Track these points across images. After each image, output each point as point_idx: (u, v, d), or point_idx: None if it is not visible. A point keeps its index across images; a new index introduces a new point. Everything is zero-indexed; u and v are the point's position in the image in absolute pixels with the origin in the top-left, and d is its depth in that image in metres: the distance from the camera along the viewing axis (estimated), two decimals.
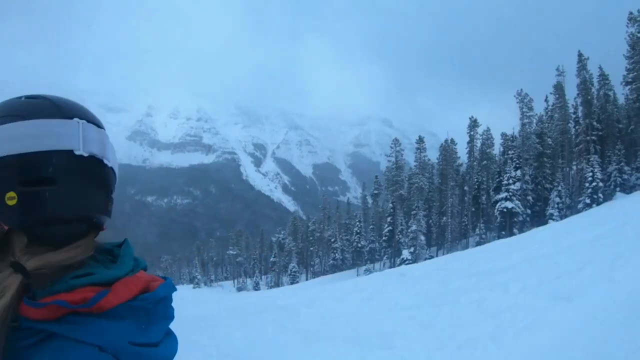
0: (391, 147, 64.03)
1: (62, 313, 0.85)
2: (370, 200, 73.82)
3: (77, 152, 0.93)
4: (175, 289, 1.04)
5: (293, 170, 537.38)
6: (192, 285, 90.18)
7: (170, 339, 1.00)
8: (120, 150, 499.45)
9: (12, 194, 0.88)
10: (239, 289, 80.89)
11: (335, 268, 71.71)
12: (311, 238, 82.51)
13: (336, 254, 73.05)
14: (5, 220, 0.90)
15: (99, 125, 1.02)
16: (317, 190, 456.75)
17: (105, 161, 1.00)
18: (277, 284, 79.30)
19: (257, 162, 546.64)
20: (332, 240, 75.37)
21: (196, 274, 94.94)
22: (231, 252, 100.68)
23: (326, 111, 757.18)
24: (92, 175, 0.97)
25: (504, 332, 7.61)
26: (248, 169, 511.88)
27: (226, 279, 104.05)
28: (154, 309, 0.95)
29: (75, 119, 0.96)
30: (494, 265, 16.03)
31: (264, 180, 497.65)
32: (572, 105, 50.65)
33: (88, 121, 0.99)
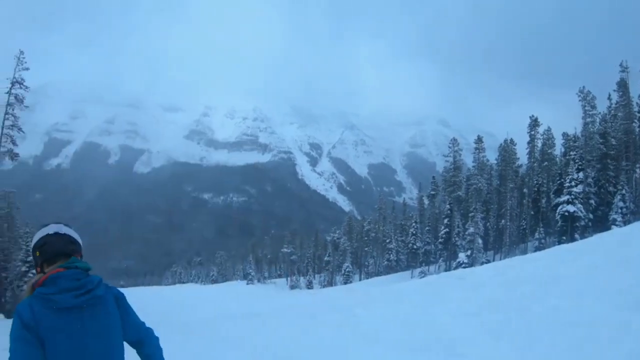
0: (449, 147, 62.85)
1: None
2: (426, 201, 72.56)
3: (50, 233, 2.64)
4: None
5: (348, 170, 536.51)
6: (245, 282, 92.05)
7: None
8: (178, 149, 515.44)
9: (37, 253, 2.62)
10: (292, 287, 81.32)
11: (390, 269, 71.02)
12: (366, 238, 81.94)
13: (391, 255, 72.29)
14: (38, 263, 2.64)
15: (58, 228, 2.70)
16: (372, 191, 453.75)
17: (60, 231, 2.66)
18: (331, 283, 79.27)
19: (313, 162, 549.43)
20: (387, 240, 74.62)
21: (250, 270, 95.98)
22: (285, 250, 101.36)
23: (381, 111, 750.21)
24: (56, 238, 2.63)
25: (587, 345, 6.90)
26: (304, 169, 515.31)
27: (279, 276, 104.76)
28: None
29: (48, 226, 2.67)
30: (561, 272, 15.07)
31: (320, 180, 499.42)
32: (637, 103, 47.98)
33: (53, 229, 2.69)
